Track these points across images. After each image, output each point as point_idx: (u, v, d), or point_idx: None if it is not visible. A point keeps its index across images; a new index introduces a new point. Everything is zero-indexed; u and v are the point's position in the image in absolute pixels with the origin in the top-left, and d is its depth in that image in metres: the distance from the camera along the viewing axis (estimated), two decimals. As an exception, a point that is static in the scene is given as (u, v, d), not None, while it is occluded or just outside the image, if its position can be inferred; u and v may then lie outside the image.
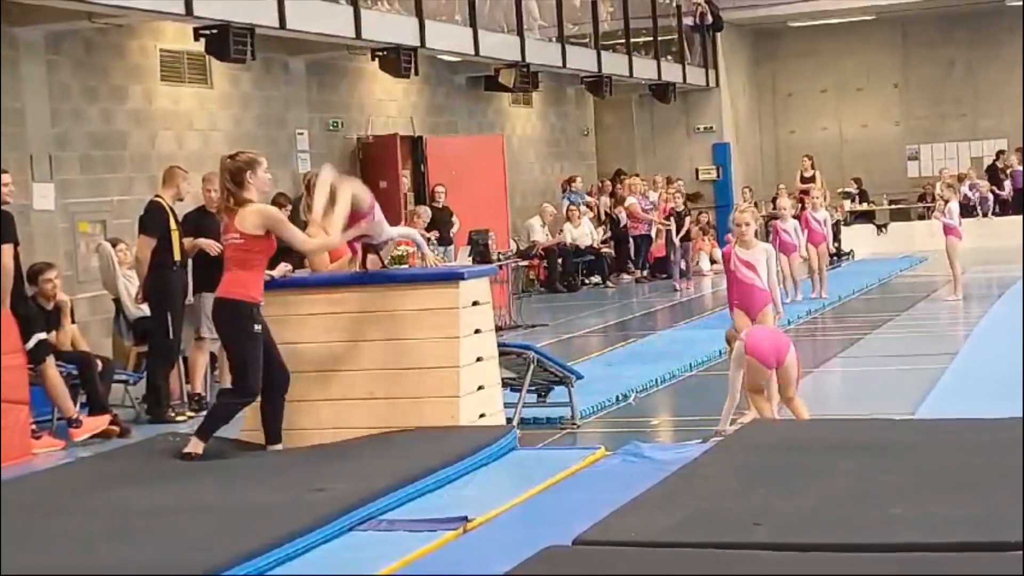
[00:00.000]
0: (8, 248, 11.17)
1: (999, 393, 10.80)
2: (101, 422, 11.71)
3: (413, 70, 19.77)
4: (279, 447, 9.95)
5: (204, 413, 11.65)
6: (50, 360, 11.55)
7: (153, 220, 12.76)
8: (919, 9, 32.65)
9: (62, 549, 7.30)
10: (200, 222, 13.09)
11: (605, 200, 28.26)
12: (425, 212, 20.12)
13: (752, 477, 7.92)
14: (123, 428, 11.94)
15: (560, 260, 25.07)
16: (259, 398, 9.95)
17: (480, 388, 10.29)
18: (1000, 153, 32.36)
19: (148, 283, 12.78)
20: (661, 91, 29.48)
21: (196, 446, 9.71)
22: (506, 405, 10.78)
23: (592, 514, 7.26)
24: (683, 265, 24.51)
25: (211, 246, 12.52)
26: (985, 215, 30.50)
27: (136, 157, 16.83)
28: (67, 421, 11.61)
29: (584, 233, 25.82)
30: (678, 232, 24.46)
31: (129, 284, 13.61)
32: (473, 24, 21.29)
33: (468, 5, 21.21)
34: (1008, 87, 32.37)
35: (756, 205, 25.87)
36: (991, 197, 31.01)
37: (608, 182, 29.19)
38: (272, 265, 10.41)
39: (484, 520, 7.77)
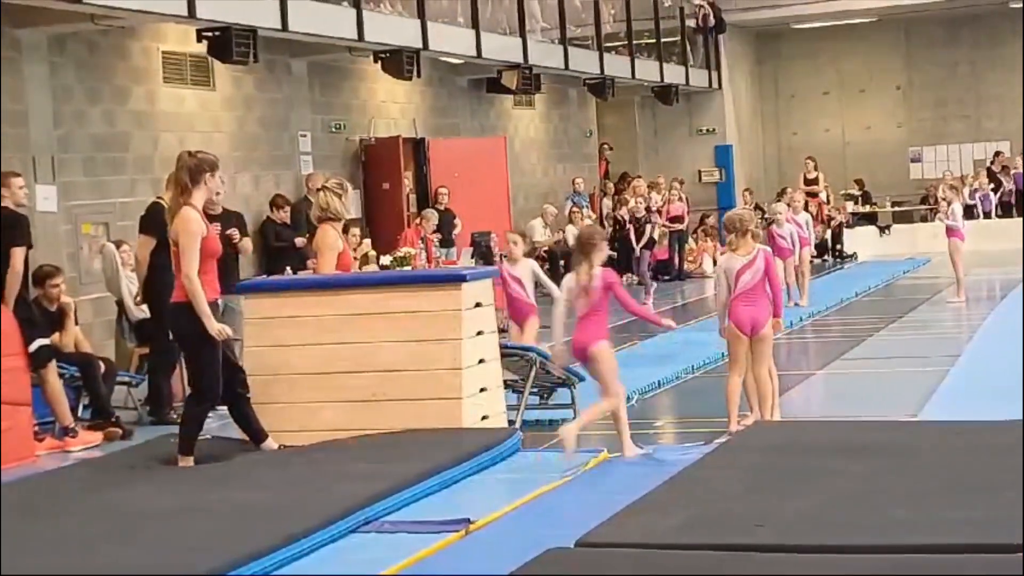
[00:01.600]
0: (21, 251, 11.21)
1: (1002, 396, 10.79)
2: (95, 437, 11.68)
3: (415, 72, 19.77)
4: (273, 444, 9.91)
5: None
6: (52, 366, 11.53)
7: (153, 220, 12.75)
8: (922, 11, 32.62)
9: (64, 550, 7.30)
10: (201, 224, 13.10)
11: (608, 202, 28.27)
12: (433, 216, 20.13)
13: (754, 479, 7.93)
14: (125, 430, 11.94)
15: (562, 262, 25.05)
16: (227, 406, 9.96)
17: (482, 390, 10.30)
18: (997, 154, 32.36)
19: (147, 284, 12.78)
20: (663, 93, 29.48)
21: (186, 461, 9.66)
22: (508, 407, 10.79)
23: (594, 516, 7.26)
24: (647, 275, 23.32)
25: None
26: (987, 216, 30.45)
27: (138, 159, 16.83)
28: (63, 429, 11.58)
29: (587, 235, 25.73)
30: (638, 240, 23.78)
31: (132, 286, 13.62)
32: (475, 26, 21.29)
33: (470, 7, 21.22)
34: (1012, 89, 32.34)
35: (758, 207, 25.90)
36: (991, 199, 30.96)
37: (611, 184, 29.22)
38: (272, 266, 10.44)
39: (486, 522, 7.77)
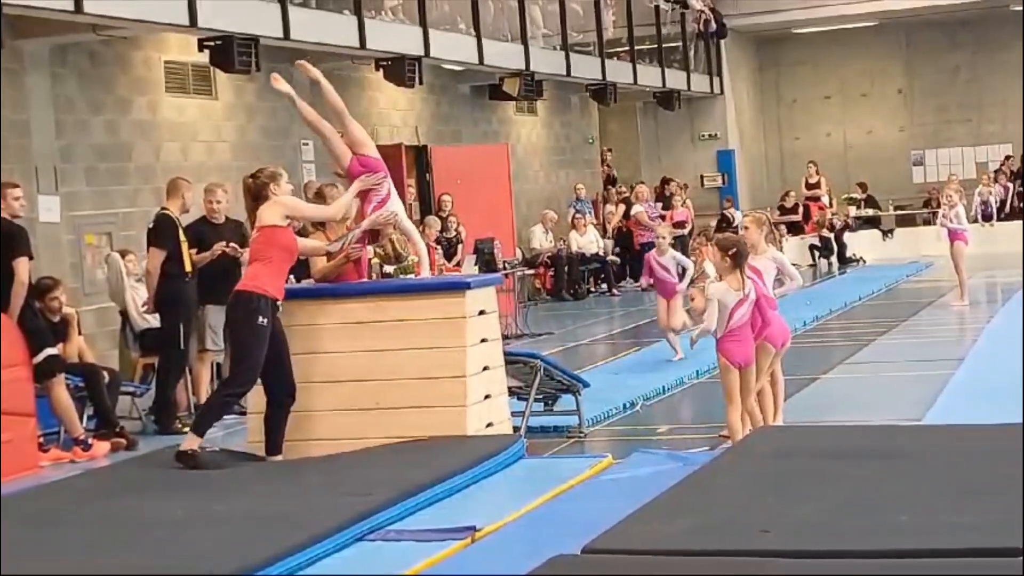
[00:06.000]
0: (24, 261, 11.23)
1: (1006, 399, 10.78)
2: (105, 449, 11.69)
3: (417, 79, 19.78)
4: (278, 458, 9.92)
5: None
6: (60, 378, 11.53)
7: (163, 231, 12.80)
8: (923, 15, 32.63)
9: (67, 558, 7.31)
10: (203, 232, 13.12)
11: (610, 208, 28.31)
12: (436, 223, 20.12)
13: (760, 484, 7.92)
14: (130, 440, 11.94)
15: (566, 268, 25.06)
16: (265, 406, 9.97)
17: (487, 397, 10.29)
18: (1008, 157, 32.38)
19: (159, 294, 12.80)
20: (665, 99, 29.50)
21: (192, 442, 9.65)
22: (513, 414, 10.77)
23: (600, 522, 7.25)
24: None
25: (215, 250, 12.85)
26: (988, 220, 30.41)
27: (141, 168, 16.84)
28: (74, 440, 11.58)
29: (589, 241, 25.83)
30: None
31: (136, 295, 13.62)
32: (477, 33, 21.31)
33: (472, 14, 21.23)
34: (1013, 92, 32.31)
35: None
36: (993, 203, 30.92)
37: (614, 191, 29.28)
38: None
39: (492, 529, 7.77)
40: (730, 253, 9.70)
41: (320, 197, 11.25)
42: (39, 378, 11.31)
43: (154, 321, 13.19)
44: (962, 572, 5.98)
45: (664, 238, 15.93)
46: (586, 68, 25.43)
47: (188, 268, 12.79)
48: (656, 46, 28.77)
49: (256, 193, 9.95)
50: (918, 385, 12.62)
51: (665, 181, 29.90)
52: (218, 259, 12.86)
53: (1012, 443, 8.25)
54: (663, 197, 29.00)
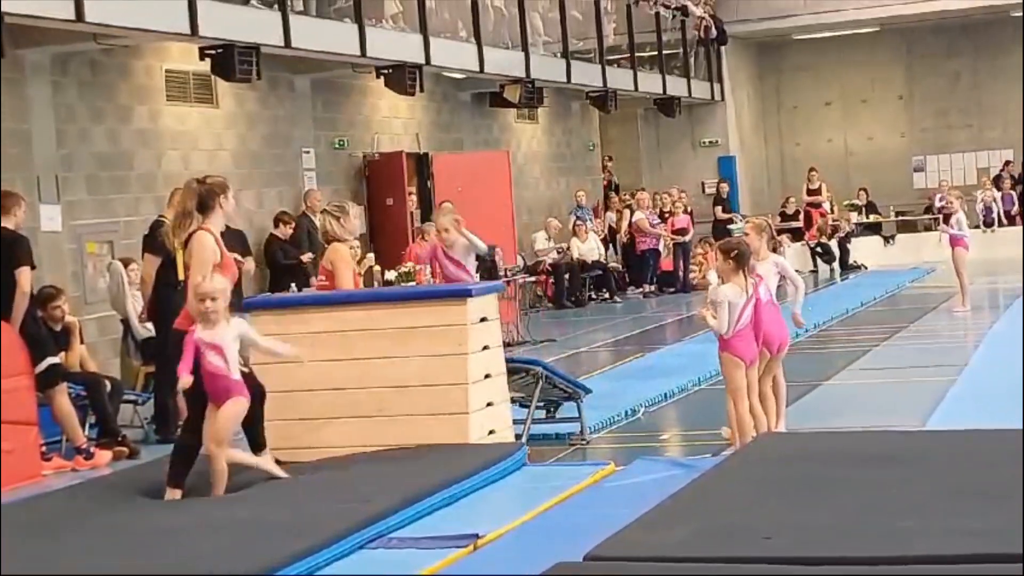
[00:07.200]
0: (27, 271, 11.25)
1: (1008, 404, 10.78)
2: (107, 458, 11.68)
3: (418, 87, 19.79)
4: (266, 452, 9.73)
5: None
6: (62, 387, 11.53)
7: (157, 239, 12.78)
8: (923, 21, 32.64)
9: (67, 565, 7.31)
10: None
11: (611, 216, 28.32)
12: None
13: (762, 491, 7.91)
14: (132, 448, 11.95)
15: (567, 275, 25.05)
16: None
17: (489, 405, 10.29)
18: (1008, 163, 32.38)
19: (153, 302, 12.80)
20: (666, 105, 29.51)
21: (172, 494, 9.15)
22: (515, 421, 10.77)
23: (603, 529, 7.24)
24: None
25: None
26: (989, 225, 30.41)
27: (142, 177, 16.84)
28: (76, 449, 11.58)
29: (591, 248, 25.83)
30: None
31: (137, 304, 13.64)
32: (478, 40, 21.32)
33: (472, 22, 21.25)
34: (1013, 97, 32.30)
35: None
36: (994, 208, 30.93)
37: (616, 198, 29.30)
38: (277, 284, 10.40)
39: (494, 537, 7.76)
40: (732, 255, 9.92)
41: (326, 216, 11.06)
42: (41, 387, 11.32)
43: (153, 329, 13.19)
44: (967, 576, 5.99)
45: (448, 231, 13.51)
46: (587, 75, 25.45)
47: (181, 276, 12.77)
48: (657, 53, 28.79)
49: (202, 200, 9.44)
50: (920, 390, 12.62)
51: (720, 181, 30.04)
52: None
53: (1014, 448, 8.25)
54: (719, 199, 29.19)
